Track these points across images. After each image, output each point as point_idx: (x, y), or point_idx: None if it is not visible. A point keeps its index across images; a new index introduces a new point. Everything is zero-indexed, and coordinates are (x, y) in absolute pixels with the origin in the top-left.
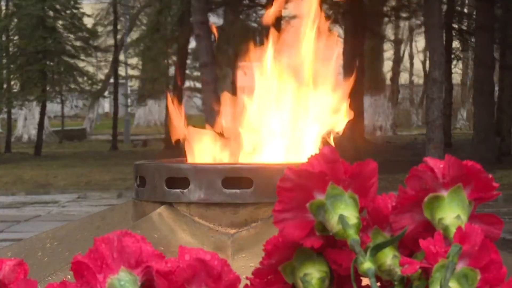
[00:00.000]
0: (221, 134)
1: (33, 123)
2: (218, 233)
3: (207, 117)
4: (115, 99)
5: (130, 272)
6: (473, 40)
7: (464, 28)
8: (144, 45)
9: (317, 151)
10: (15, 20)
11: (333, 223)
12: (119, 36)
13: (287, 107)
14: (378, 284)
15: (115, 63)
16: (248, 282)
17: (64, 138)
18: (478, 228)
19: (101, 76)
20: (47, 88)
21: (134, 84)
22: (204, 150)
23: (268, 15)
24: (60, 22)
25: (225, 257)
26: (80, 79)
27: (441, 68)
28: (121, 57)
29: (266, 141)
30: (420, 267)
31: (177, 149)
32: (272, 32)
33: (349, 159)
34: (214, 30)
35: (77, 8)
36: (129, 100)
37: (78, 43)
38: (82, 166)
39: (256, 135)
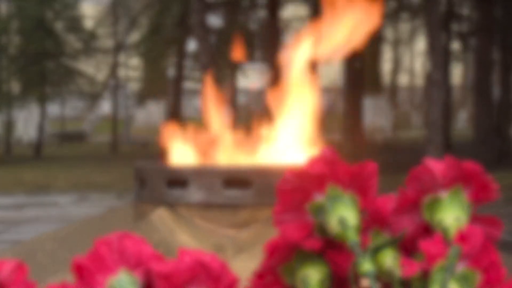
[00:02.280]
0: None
1: (33, 125)
2: (218, 235)
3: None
4: (115, 101)
5: (130, 274)
6: (473, 41)
7: (464, 29)
8: (144, 46)
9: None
10: (15, 21)
11: (333, 225)
12: (119, 38)
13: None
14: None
15: (115, 64)
16: (247, 283)
17: (64, 139)
18: (478, 230)
19: (101, 77)
20: (47, 90)
21: (134, 85)
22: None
23: None
24: (60, 23)
25: (225, 258)
26: (80, 80)
27: (441, 69)
28: (121, 58)
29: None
30: (419, 269)
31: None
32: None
33: (349, 160)
34: None
35: (77, 9)
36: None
37: (78, 45)
38: (82, 167)
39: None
